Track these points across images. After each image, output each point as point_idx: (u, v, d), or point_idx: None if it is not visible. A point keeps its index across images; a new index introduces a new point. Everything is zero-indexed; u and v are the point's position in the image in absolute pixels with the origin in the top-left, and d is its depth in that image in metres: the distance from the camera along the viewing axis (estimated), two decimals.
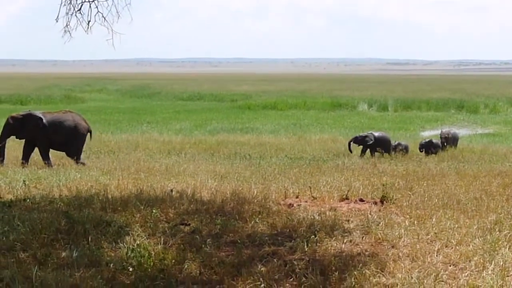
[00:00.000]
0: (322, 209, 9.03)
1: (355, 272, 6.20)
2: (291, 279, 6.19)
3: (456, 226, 7.97)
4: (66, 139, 15.70)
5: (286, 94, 54.56)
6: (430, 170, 14.62)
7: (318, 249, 7.01)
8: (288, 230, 7.79)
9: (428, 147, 19.75)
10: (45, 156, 15.56)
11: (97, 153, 18.12)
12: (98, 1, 10.45)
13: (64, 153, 16.10)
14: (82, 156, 16.08)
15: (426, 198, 10.05)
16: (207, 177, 12.25)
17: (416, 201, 9.80)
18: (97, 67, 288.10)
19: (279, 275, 6.26)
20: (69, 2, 10.44)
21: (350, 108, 42.89)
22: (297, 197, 10.02)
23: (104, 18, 10.46)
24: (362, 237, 7.53)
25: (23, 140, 15.89)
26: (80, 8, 10.53)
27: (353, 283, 6.02)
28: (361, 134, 19.98)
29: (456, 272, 6.35)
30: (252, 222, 8.08)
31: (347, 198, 9.91)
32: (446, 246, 7.14)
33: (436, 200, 9.92)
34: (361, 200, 9.83)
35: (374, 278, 6.09)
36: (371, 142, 19.23)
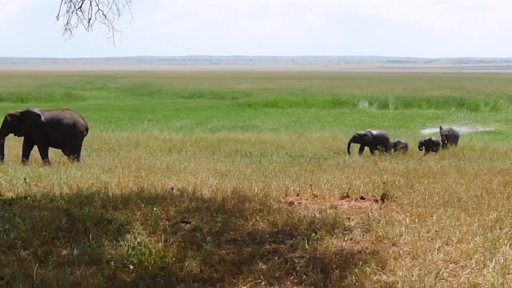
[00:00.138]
0: (322, 207, 9.03)
1: (356, 270, 6.20)
2: (292, 277, 6.19)
3: (457, 224, 7.97)
4: (64, 136, 15.68)
5: (287, 92, 54.55)
6: (430, 168, 14.61)
7: (318, 247, 7.02)
8: (288, 228, 7.79)
9: (428, 145, 19.74)
10: (44, 155, 15.53)
11: (98, 151, 18.12)
12: None
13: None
14: (82, 154, 16.08)
15: (426, 196, 10.06)
16: (208, 175, 12.26)
17: (417, 199, 9.81)
18: (98, 65, 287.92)
19: (279, 273, 6.27)
20: (69, 0, 10.45)
21: (350, 106, 42.88)
22: (297, 195, 10.03)
23: (105, 16, 10.48)
24: (363, 235, 7.53)
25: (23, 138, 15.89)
26: (81, 6, 10.55)
27: (354, 281, 6.02)
28: (359, 132, 19.98)
29: (457, 270, 6.36)
30: (253, 220, 8.08)
31: (347, 196, 9.92)
32: (446, 244, 7.14)
33: (437, 198, 9.92)
34: (362, 198, 9.84)
35: (375, 276, 6.10)
36: (370, 140, 19.24)
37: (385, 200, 9.63)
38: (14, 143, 16.96)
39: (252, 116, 35.32)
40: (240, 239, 7.28)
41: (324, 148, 20.22)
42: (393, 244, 7.18)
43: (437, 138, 20.51)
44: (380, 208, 9.10)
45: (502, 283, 5.96)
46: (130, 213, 8.33)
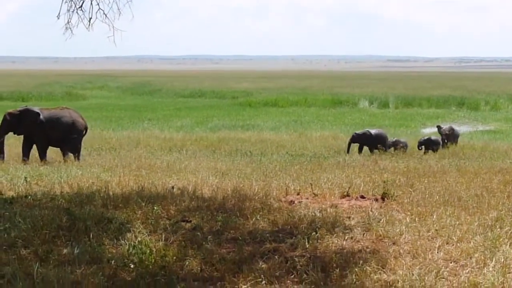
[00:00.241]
0: (323, 206, 9.03)
1: (356, 269, 6.21)
2: (292, 276, 6.19)
3: (457, 223, 7.97)
4: (63, 135, 15.68)
5: (287, 91, 54.53)
6: (431, 167, 14.62)
7: (319, 246, 7.02)
8: (289, 227, 7.80)
9: (427, 145, 19.75)
10: (43, 156, 15.49)
11: (99, 150, 18.13)
12: None
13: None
14: (82, 153, 16.08)
15: (427, 195, 10.06)
16: (208, 174, 12.27)
17: (417, 198, 9.81)
18: (98, 64, 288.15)
19: (280, 271, 6.27)
20: None
21: (351, 105, 42.86)
22: (298, 194, 10.03)
23: (106, 15, 10.49)
24: (363, 234, 7.53)
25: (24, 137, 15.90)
26: (82, 5, 10.56)
27: (354, 279, 6.03)
28: (357, 132, 19.98)
29: (457, 269, 6.36)
30: (253, 219, 8.09)
31: (348, 195, 9.93)
32: (447, 243, 7.14)
33: (437, 197, 9.92)
34: (362, 197, 9.84)
35: (375, 275, 6.10)
36: (368, 139, 19.24)
37: (386, 199, 9.63)
38: (14, 142, 16.97)
39: (253, 115, 35.31)
40: (240, 238, 7.28)
41: (324, 147, 20.23)
42: (394, 243, 7.18)
43: (436, 137, 20.51)
44: (381, 207, 9.10)
45: (502, 282, 5.97)
46: (130, 212, 8.33)
